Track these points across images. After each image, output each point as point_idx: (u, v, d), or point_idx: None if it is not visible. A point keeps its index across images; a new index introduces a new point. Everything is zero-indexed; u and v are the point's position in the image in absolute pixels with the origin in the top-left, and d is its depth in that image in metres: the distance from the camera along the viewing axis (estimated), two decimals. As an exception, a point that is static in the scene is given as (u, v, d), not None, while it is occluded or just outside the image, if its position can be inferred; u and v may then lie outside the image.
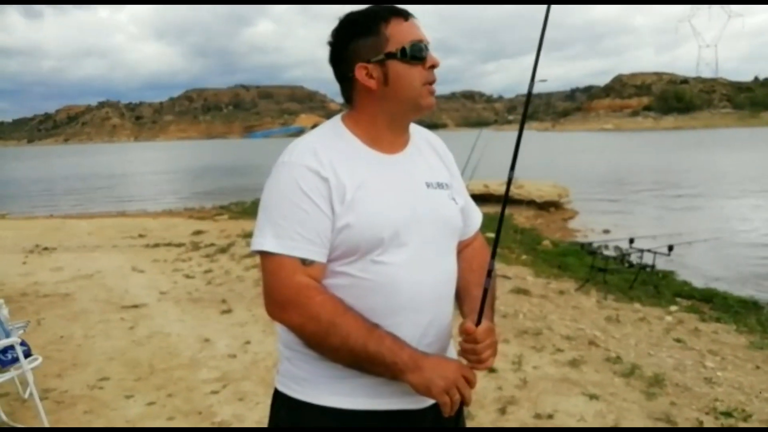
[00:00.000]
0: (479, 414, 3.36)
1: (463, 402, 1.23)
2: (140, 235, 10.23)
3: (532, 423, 3.29)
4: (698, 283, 7.74)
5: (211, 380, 3.90)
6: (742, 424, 3.31)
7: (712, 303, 6.53)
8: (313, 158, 1.23)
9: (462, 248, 1.45)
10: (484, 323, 1.26)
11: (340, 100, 1.36)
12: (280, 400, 1.33)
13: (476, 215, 1.52)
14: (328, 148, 1.26)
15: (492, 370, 3.79)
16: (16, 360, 3.18)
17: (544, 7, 1.25)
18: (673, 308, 5.92)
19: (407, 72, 1.26)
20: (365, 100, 1.30)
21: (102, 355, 4.40)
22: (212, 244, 8.97)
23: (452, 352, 1.39)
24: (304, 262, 1.20)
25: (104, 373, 4.04)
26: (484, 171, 9.69)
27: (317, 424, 1.27)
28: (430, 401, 1.27)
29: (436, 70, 1.31)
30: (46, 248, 9.17)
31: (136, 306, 5.73)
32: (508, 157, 1.28)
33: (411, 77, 1.26)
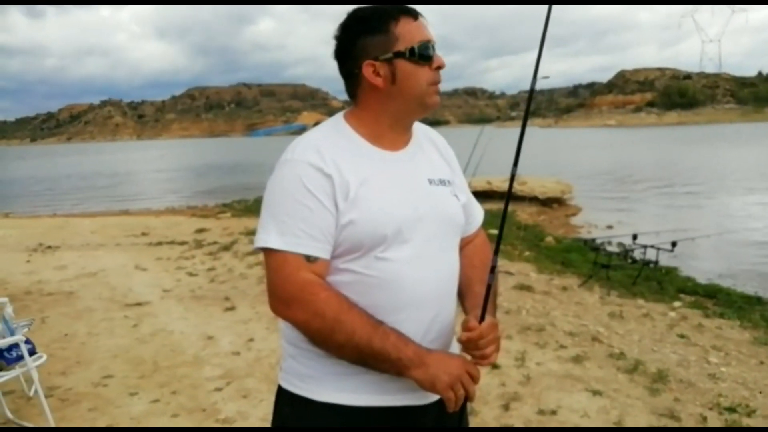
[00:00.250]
0: (483, 410, 3.36)
1: (467, 398, 1.24)
2: (143, 234, 10.25)
3: (535, 419, 3.29)
4: (702, 279, 7.74)
5: (215, 377, 3.92)
6: (745, 420, 3.31)
7: (715, 299, 6.53)
8: (317, 155, 1.23)
9: (464, 245, 1.45)
10: (488, 319, 1.27)
11: (342, 97, 1.37)
12: (284, 397, 1.34)
13: (478, 212, 1.52)
14: (331, 146, 1.26)
15: (495, 367, 3.80)
16: (21, 358, 3.19)
17: (546, 4, 1.25)
18: (677, 304, 5.91)
19: (415, 72, 1.26)
20: (370, 98, 1.30)
21: (106, 353, 4.41)
22: (215, 242, 8.98)
23: (455, 348, 1.39)
24: (309, 259, 1.21)
25: (108, 371, 4.05)
26: (487, 168, 9.68)
27: (322, 420, 1.27)
28: (434, 397, 1.28)
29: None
30: (49, 247, 9.19)
31: (139, 304, 5.74)
32: (510, 154, 1.28)
33: (418, 77, 1.27)
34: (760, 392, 3.68)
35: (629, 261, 7.94)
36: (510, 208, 1.37)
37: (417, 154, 1.37)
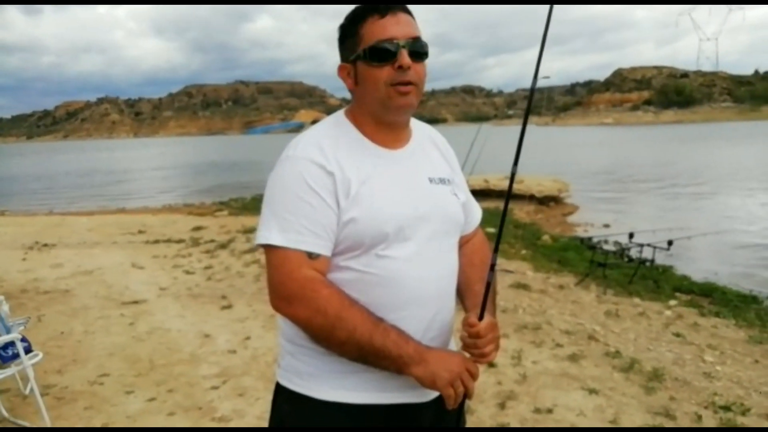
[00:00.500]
0: (479, 408, 3.37)
1: (467, 395, 1.24)
2: (140, 232, 10.23)
3: (531, 417, 3.30)
4: (697, 277, 7.75)
5: (212, 376, 3.91)
6: (740, 419, 3.32)
7: (711, 297, 6.54)
8: (319, 153, 1.23)
9: (462, 244, 1.46)
10: (487, 318, 1.27)
11: (339, 95, 1.38)
12: (282, 395, 1.34)
13: (476, 211, 1.53)
14: (333, 143, 1.26)
15: (491, 365, 3.80)
16: (16, 356, 3.18)
17: (547, 4, 1.25)
18: (673, 303, 5.93)
19: (371, 73, 1.25)
20: (353, 98, 1.34)
21: (102, 351, 4.40)
22: (212, 240, 8.97)
23: (453, 346, 1.39)
24: (311, 256, 1.21)
25: (104, 369, 4.04)
26: (484, 166, 9.69)
27: (321, 418, 1.27)
28: (434, 394, 1.28)
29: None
30: (45, 245, 9.16)
31: (136, 302, 5.73)
32: (507, 152, 1.28)
33: (375, 78, 1.24)
34: (755, 391, 3.70)
35: (625, 259, 7.95)
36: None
37: (417, 152, 1.37)
